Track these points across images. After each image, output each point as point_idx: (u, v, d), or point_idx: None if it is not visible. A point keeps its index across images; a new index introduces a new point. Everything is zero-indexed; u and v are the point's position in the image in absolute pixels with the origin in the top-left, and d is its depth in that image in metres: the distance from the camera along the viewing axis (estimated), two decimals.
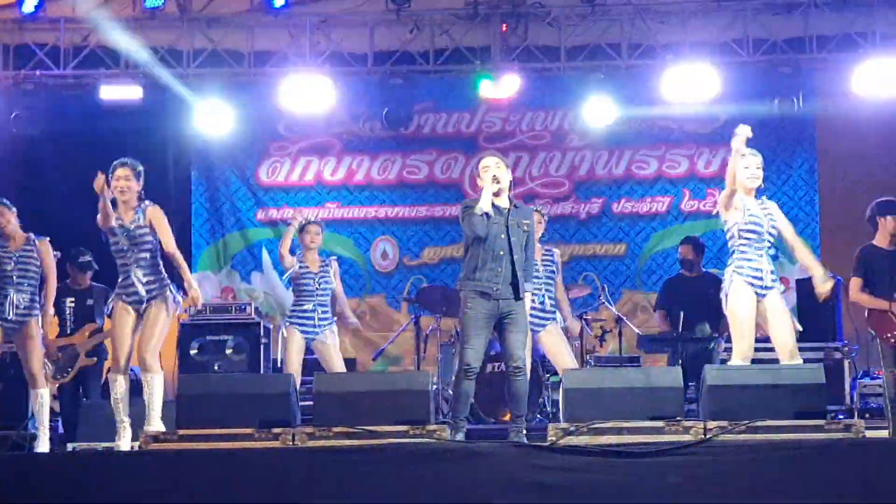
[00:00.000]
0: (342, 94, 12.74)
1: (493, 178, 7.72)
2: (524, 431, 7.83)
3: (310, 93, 12.39)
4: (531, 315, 8.88)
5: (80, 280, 10.65)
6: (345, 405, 7.23)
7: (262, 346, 11.21)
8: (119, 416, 8.16)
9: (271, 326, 11.86)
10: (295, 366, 9.60)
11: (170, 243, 8.24)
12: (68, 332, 10.51)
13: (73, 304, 10.53)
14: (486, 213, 7.66)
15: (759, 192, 7.98)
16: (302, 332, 9.65)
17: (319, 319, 9.68)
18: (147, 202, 8.23)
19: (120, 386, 8.15)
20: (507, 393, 7.90)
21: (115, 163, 8.24)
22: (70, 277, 10.60)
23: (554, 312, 9.21)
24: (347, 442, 6.95)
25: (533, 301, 8.92)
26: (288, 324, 9.77)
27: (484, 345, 7.77)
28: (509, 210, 7.77)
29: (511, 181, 7.87)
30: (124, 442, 8.13)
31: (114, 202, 8.14)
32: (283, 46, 12.60)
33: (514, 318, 7.73)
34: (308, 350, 9.79)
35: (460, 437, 7.45)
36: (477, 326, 7.67)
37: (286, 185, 14.16)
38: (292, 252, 9.84)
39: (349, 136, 14.15)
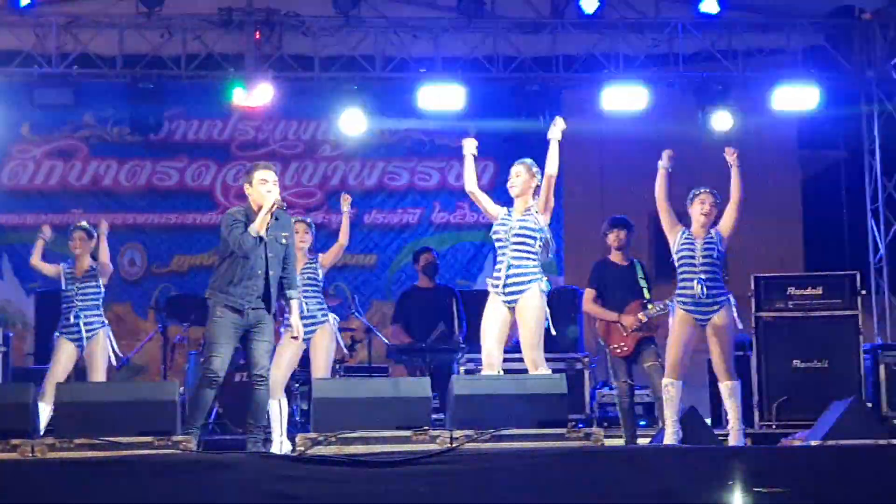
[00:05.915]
0: (89, 96, 12.45)
1: (275, 202, 7.63)
2: (262, 441, 7.78)
3: (54, 94, 12.03)
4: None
5: None
6: (88, 416, 7.04)
7: (1, 355, 10.83)
8: None
9: (11, 335, 11.45)
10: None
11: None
12: None
13: None
14: (260, 237, 7.61)
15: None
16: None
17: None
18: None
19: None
20: (250, 402, 7.80)
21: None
22: None
23: (326, 316, 8.99)
24: (90, 453, 6.78)
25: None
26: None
27: (230, 354, 7.70)
28: (269, 226, 7.71)
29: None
30: None
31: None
32: (28, 46, 12.21)
33: (261, 327, 7.70)
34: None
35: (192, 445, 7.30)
36: (225, 335, 7.61)
37: (29, 188, 13.72)
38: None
39: (96, 141, 13.83)
